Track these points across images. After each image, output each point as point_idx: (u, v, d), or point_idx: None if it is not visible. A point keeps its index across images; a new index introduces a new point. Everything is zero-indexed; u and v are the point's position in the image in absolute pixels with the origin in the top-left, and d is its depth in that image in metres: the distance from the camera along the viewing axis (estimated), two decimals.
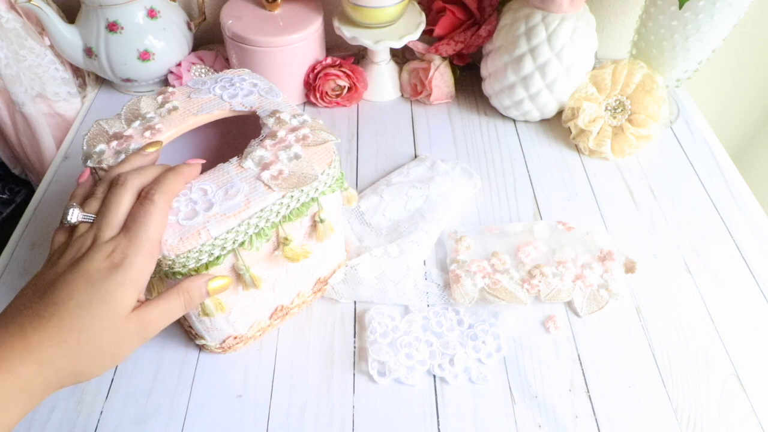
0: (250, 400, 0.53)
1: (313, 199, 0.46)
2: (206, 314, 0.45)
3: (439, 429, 0.51)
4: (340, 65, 0.82)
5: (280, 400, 0.53)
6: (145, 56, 0.78)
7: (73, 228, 0.40)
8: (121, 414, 0.52)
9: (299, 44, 0.77)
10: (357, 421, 0.52)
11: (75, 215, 0.40)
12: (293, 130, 0.47)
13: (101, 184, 0.41)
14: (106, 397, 0.53)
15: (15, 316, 0.36)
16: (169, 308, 0.40)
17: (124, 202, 0.39)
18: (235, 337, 0.53)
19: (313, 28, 0.78)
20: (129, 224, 0.39)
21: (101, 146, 0.46)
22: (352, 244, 0.64)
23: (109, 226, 0.39)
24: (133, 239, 0.38)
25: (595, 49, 0.76)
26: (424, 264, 0.64)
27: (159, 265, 0.41)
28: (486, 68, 0.80)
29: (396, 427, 0.51)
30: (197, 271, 0.42)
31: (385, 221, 0.67)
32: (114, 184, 0.40)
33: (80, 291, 0.36)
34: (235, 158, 0.45)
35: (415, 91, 0.85)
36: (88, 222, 0.40)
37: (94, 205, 0.40)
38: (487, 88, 0.82)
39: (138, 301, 0.38)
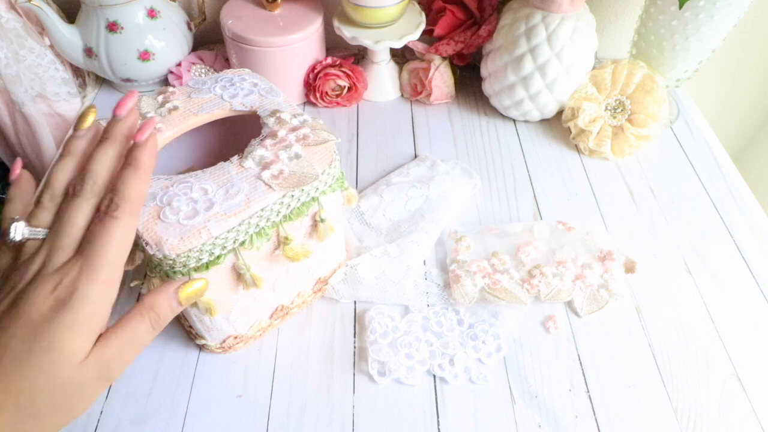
0: (250, 400, 0.53)
1: (313, 198, 0.46)
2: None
3: (439, 429, 0.51)
4: (340, 65, 0.82)
5: (280, 400, 0.53)
6: (145, 56, 0.78)
7: (18, 246, 0.33)
8: (121, 414, 0.52)
9: (299, 44, 0.77)
10: (357, 421, 0.52)
11: (20, 231, 0.32)
12: (294, 129, 0.47)
13: (47, 190, 0.34)
14: (106, 397, 0.53)
15: None
16: (133, 335, 0.33)
17: (81, 216, 0.33)
18: (236, 337, 0.53)
19: (313, 28, 0.78)
20: (84, 246, 0.32)
21: None
22: (352, 244, 0.64)
23: (60, 249, 0.32)
24: (87, 265, 0.31)
25: (595, 49, 0.76)
26: (424, 264, 0.64)
27: (160, 264, 0.41)
28: (486, 68, 0.80)
29: (396, 427, 0.51)
30: (197, 271, 0.42)
31: (385, 221, 0.67)
32: (68, 193, 0.34)
33: (17, 340, 0.29)
34: (236, 157, 0.45)
35: (415, 91, 0.85)
36: (37, 239, 0.33)
37: (42, 217, 0.33)
38: (487, 88, 0.82)
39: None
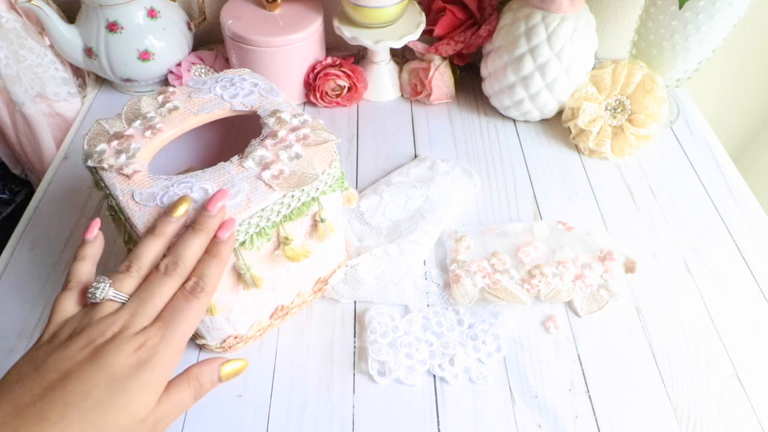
0: (250, 400, 0.53)
1: (313, 198, 0.46)
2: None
3: (439, 429, 0.51)
4: (340, 65, 0.82)
5: (280, 400, 0.53)
6: (145, 56, 0.78)
7: (92, 303, 0.36)
8: None
9: (299, 44, 0.77)
10: (357, 421, 0.51)
11: (107, 292, 0.36)
12: (294, 129, 0.47)
13: (136, 262, 0.38)
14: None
15: (11, 416, 0.29)
16: (180, 401, 0.35)
17: (167, 292, 0.36)
18: (236, 337, 0.53)
19: (313, 28, 0.78)
20: (166, 317, 0.35)
21: (102, 146, 0.46)
22: (352, 244, 0.64)
23: (143, 315, 0.35)
24: (168, 334, 0.34)
25: (595, 49, 0.76)
26: (424, 264, 0.64)
27: None
28: (486, 68, 0.80)
29: (396, 427, 0.51)
30: None
31: (385, 221, 0.67)
32: (159, 270, 0.37)
33: (99, 390, 0.31)
34: (236, 157, 0.45)
35: (415, 91, 0.85)
36: (117, 302, 0.36)
37: (128, 284, 0.37)
38: (487, 88, 0.82)
39: None
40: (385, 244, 0.64)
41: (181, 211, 0.40)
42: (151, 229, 0.40)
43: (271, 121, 0.48)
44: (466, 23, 0.80)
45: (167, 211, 0.40)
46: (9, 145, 0.87)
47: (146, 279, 0.37)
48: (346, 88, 0.83)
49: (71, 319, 0.35)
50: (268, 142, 0.46)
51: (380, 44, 0.76)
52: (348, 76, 0.82)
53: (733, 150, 1.16)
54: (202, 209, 0.40)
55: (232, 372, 0.39)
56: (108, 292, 0.35)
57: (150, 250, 0.38)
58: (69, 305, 0.36)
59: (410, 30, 0.78)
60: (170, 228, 0.40)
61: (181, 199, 0.41)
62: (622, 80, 0.76)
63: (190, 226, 0.40)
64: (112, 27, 0.75)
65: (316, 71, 0.81)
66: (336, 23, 0.79)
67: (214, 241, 0.40)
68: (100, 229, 0.42)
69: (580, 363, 0.56)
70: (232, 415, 0.52)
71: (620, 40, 0.94)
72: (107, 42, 0.76)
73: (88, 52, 0.78)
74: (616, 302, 0.60)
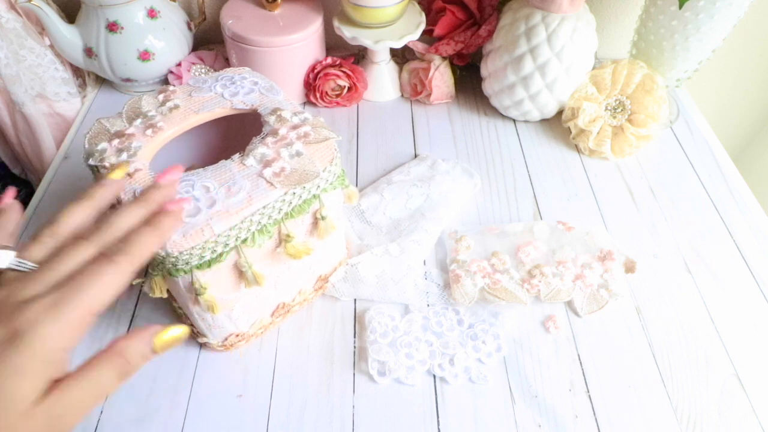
0: (250, 399, 0.53)
1: (314, 196, 0.46)
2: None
3: (439, 429, 0.51)
4: (340, 65, 0.82)
5: (280, 399, 0.53)
6: (145, 56, 0.78)
7: None
8: (121, 414, 0.51)
9: (299, 44, 0.77)
10: (357, 421, 0.51)
11: (6, 260, 0.29)
12: (294, 127, 0.47)
13: (50, 226, 0.32)
14: (106, 397, 0.52)
15: None
16: (96, 384, 0.29)
17: (79, 259, 0.30)
18: (237, 335, 0.53)
19: (313, 28, 0.78)
20: (66, 281, 0.28)
21: (103, 144, 0.46)
22: (353, 242, 0.64)
23: (41, 283, 0.29)
24: (60, 301, 0.27)
25: (595, 49, 0.76)
26: (424, 264, 0.64)
27: (162, 262, 0.41)
28: (486, 68, 0.80)
29: (396, 427, 0.51)
30: (200, 268, 0.42)
31: (386, 220, 0.67)
32: (78, 235, 0.31)
33: None
34: (237, 155, 0.45)
35: (415, 91, 0.85)
36: (19, 270, 0.30)
37: (35, 251, 0.31)
38: (487, 88, 0.82)
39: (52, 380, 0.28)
40: (385, 242, 0.63)
41: (117, 175, 0.36)
42: (81, 194, 0.34)
43: (271, 119, 0.48)
44: (466, 23, 0.80)
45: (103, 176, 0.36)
46: (9, 145, 0.87)
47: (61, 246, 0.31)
48: (346, 88, 0.83)
49: None
50: (269, 140, 0.46)
51: (380, 44, 0.77)
52: (348, 76, 0.82)
53: (733, 150, 1.16)
54: (153, 183, 0.36)
55: (170, 340, 0.31)
56: (8, 259, 0.29)
57: (70, 215, 0.33)
58: None
59: (410, 30, 0.78)
60: (101, 192, 0.34)
61: (120, 164, 0.36)
62: (622, 80, 0.76)
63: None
64: (112, 27, 0.75)
65: (316, 71, 0.81)
66: (336, 23, 0.79)
67: (158, 212, 0.35)
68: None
69: (580, 363, 0.56)
70: (232, 415, 0.52)
71: (620, 40, 0.94)
72: (107, 42, 0.76)
73: (88, 52, 0.78)
74: (616, 302, 0.60)
